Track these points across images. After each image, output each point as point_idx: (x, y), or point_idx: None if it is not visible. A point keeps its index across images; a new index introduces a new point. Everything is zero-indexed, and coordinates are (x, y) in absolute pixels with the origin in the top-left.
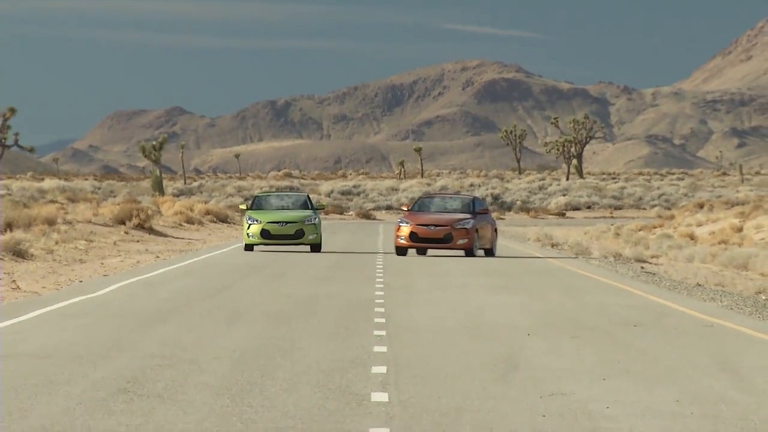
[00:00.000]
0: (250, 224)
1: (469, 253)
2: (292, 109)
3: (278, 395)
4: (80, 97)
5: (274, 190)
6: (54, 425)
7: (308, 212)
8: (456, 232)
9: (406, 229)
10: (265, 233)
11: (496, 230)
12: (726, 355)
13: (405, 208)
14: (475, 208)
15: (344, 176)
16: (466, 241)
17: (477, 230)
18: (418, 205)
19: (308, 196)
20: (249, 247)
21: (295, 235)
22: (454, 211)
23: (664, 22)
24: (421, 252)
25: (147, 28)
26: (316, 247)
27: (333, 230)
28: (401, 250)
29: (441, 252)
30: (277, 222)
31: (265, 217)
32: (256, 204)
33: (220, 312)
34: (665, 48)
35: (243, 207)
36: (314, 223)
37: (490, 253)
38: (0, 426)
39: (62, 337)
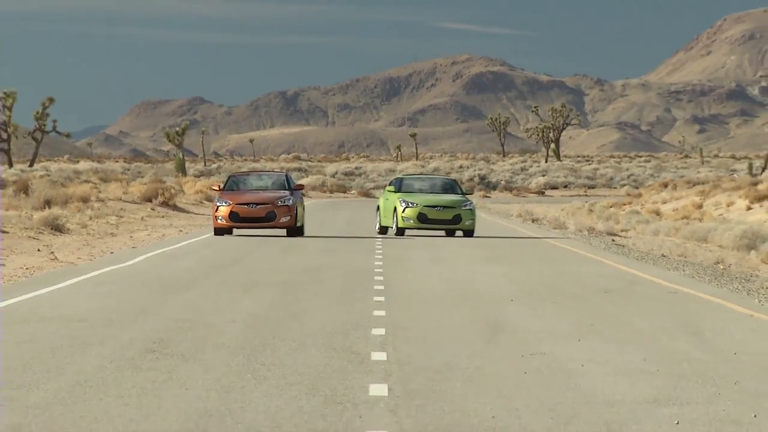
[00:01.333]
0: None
1: (291, 231)
2: (301, 98)
3: (288, 354)
4: (111, 88)
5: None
6: (88, 381)
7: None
8: (278, 210)
9: (224, 210)
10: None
11: (304, 208)
12: (688, 319)
13: (216, 188)
14: (290, 184)
15: (347, 159)
16: (288, 218)
17: (296, 207)
18: (231, 184)
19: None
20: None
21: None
22: (270, 189)
23: (634, 20)
24: (235, 228)
25: (171, 26)
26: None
27: (337, 207)
28: (220, 231)
29: (270, 231)
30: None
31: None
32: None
33: (235, 280)
34: (634, 44)
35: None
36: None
37: (300, 230)
38: (39, 382)
39: (95, 302)
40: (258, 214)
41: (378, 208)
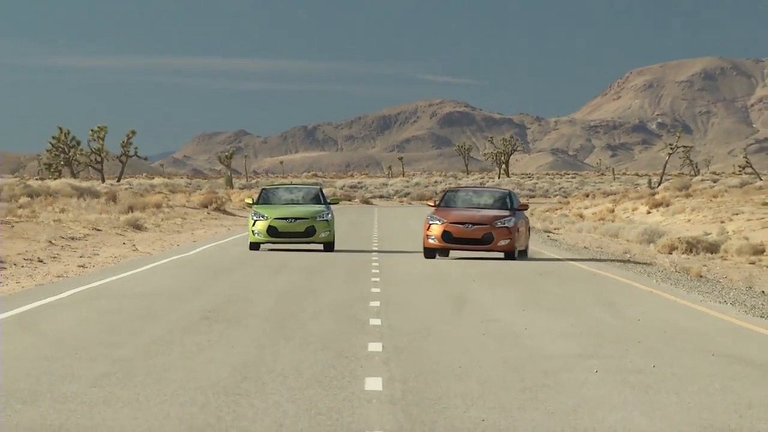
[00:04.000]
0: (255, 220)
1: (510, 255)
2: (318, 131)
3: (307, 321)
4: (179, 123)
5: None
6: (159, 341)
7: (320, 207)
8: (496, 231)
9: (437, 228)
10: (272, 230)
11: (529, 229)
12: (604, 295)
13: (431, 204)
14: (513, 204)
15: (351, 176)
16: (508, 242)
17: (518, 229)
18: (447, 200)
19: (321, 189)
20: (254, 246)
21: (306, 233)
22: (489, 207)
23: (564, 72)
24: (444, 253)
25: (224, 77)
26: (329, 246)
27: (343, 212)
28: (430, 252)
29: (473, 254)
30: (286, 218)
31: (273, 213)
32: (263, 198)
33: (268, 266)
34: (563, 90)
35: (249, 201)
36: (326, 220)
37: (523, 254)
38: (123, 341)
39: (164, 282)
40: (474, 235)
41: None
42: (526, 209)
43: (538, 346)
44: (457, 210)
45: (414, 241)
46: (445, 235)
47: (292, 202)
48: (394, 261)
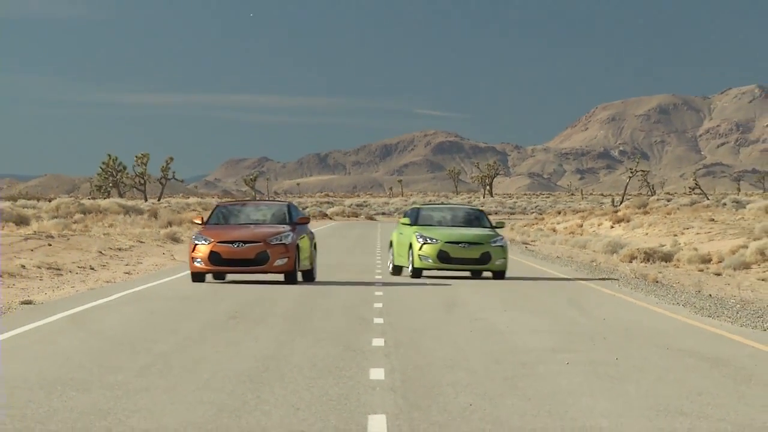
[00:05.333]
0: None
1: (290, 277)
2: (329, 157)
3: (320, 320)
4: (210, 150)
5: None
6: (192, 337)
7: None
8: (272, 249)
9: (203, 249)
10: (214, 257)
11: (315, 246)
12: (575, 298)
13: (198, 221)
14: (292, 217)
15: (358, 196)
16: (286, 261)
17: (298, 246)
18: (216, 216)
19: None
20: (197, 277)
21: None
22: (265, 222)
23: (539, 105)
24: (220, 276)
25: (249, 111)
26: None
27: (352, 226)
28: (198, 276)
29: (256, 276)
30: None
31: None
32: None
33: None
34: (539, 121)
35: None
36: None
37: (308, 276)
38: (162, 338)
39: (197, 287)
40: (246, 255)
41: (391, 244)
42: (308, 222)
43: (517, 341)
44: (226, 228)
45: None
46: (213, 257)
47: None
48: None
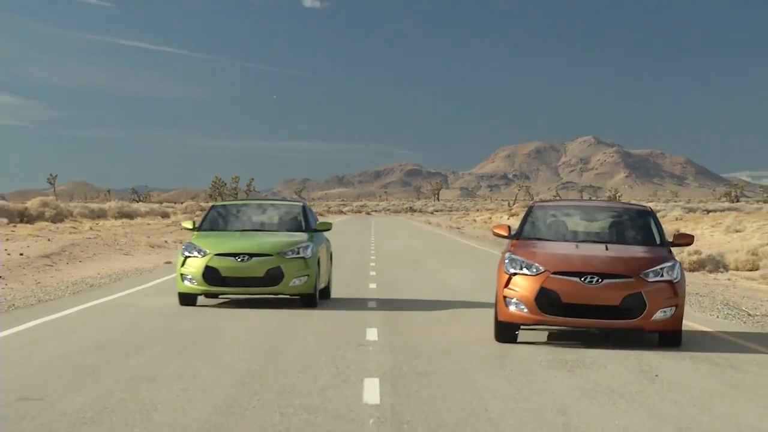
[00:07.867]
0: (185, 257)
1: (309, 301)
2: (344, 178)
3: (320, 304)
4: (274, 173)
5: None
6: (209, 322)
7: (299, 237)
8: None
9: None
10: (210, 274)
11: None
12: (487, 260)
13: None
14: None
15: (360, 201)
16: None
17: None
18: (212, 220)
19: (304, 207)
20: (186, 299)
21: (266, 279)
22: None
23: (467, 144)
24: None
25: (298, 150)
26: (308, 299)
27: (357, 218)
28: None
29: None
30: (235, 255)
31: (216, 247)
32: (210, 221)
33: None
34: (467, 155)
35: (188, 226)
36: (303, 257)
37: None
38: (181, 328)
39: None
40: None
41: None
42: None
43: (455, 286)
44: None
45: (390, 225)
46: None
47: (258, 229)
48: (386, 240)
